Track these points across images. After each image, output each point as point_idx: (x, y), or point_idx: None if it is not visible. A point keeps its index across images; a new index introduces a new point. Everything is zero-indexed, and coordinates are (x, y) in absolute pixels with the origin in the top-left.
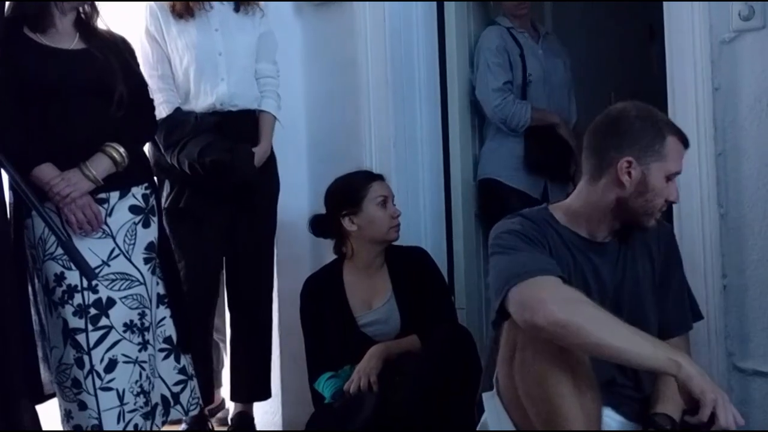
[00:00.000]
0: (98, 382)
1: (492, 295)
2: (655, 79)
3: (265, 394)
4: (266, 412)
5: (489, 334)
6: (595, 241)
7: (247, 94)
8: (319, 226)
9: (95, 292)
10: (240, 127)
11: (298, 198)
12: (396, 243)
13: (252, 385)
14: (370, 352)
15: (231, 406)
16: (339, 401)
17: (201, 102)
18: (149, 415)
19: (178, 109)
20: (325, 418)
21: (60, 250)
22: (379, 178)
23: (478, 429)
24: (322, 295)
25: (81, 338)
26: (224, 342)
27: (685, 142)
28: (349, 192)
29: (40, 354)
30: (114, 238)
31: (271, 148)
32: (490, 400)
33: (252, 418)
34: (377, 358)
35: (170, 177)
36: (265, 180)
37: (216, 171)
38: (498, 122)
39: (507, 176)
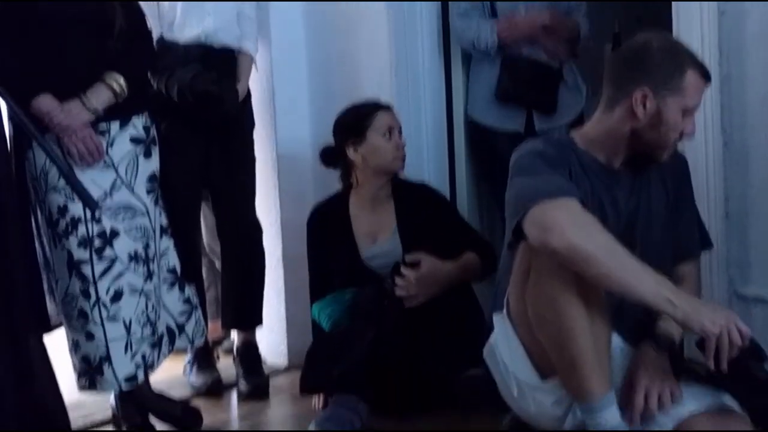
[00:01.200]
0: (105, 313)
1: (509, 215)
2: (660, 3)
3: (253, 322)
4: (271, 342)
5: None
6: (612, 169)
7: (231, 32)
8: (327, 156)
9: (99, 223)
10: (221, 63)
11: (298, 130)
12: (402, 178)
13: (240, 312)
14: (442, 271)
15: (235, 337)
16: (338, 330)
17: (186, 33)
18: (156, 345)
19: (160, 38)
20: (323, 348)
21: (62, 182)
22: (386, 108)
23: (485, 351)
24: (328, 225)
25: (86, 269)
26: None
27: (706, 76)
28: (354, 121)
29: (45, 287)
30: (116, 169)
31: (248, 87)
32: (500, 321)
33: (257, 348)
34: (441, 285)
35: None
36: (242, 116)
37: (205, 100)
38: (468, 48)
39: (480, 112)
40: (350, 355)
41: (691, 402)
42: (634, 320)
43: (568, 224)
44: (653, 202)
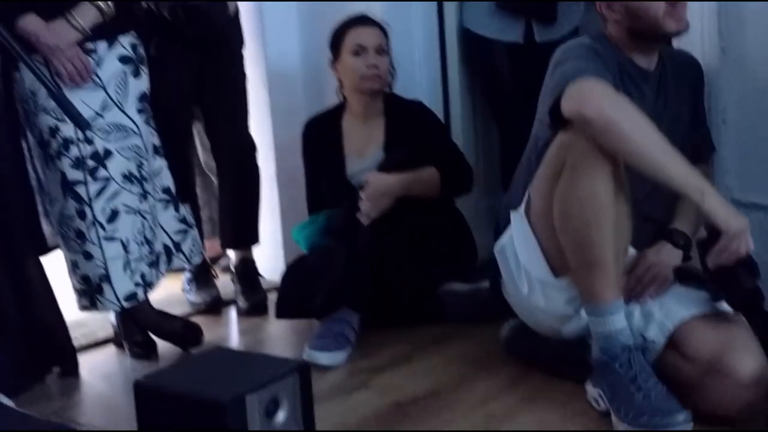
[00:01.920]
0: (101, 233)
1: (545, 102)
2: None
3: (250, 240)
4: (269, 259)
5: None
6: (641, 68)
7: None
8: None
9: (90, 143)
10: None
11: (288, 47)
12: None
13: (237, 230)
14: (385, 183)
15: (233, 255)
16: (312, 253)
17: None
18: (154, 264)
19: None
20: (298, 272)
21: (52, 103)
22: (363, 24)
23: (495, 248)
24: (320, 139)
25: (81, 190)
26: None
27: None
28: (332, 39)
29: (40, 209)
30: (105, 89)
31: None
32: (517, 218)
33: (254, 265)
34: (388, 197)
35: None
36: (232, 33)
37: (195, 17)
38: None
39: (477, 23)
40: (328, 277)
41: (692, 305)
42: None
43: (606, 98)
44: (677, 105)
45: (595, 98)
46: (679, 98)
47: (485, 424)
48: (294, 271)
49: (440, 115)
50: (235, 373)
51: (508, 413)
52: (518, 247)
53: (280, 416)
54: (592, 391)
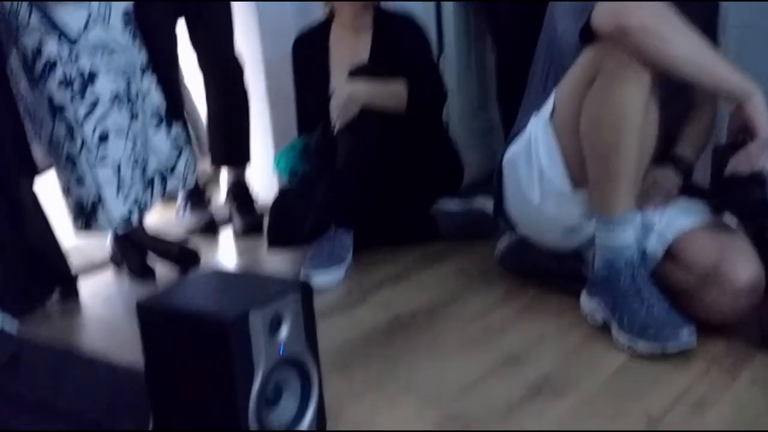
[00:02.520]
0: (92, 156)
1: (571, 18)
2: None
3: (241, 158)
4: (262, 180)
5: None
6: None
7: None
8: None
9: (76, 62)
10: None
11: None
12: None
13: (227, 148)
14: (349, 90)
15: (226, 177)
16: (294, 181)
17: None
18: (148, 187)
19: None
20: (284, 202)
21: (34, 21)
22: None
23: (505, 160)
24: (309, 54)
25: (69, 112)
26: None
27: None
28: None
29: (28, 134)
30: (88, 5)
31: None
32: (542, 126)
33: (247, 186)
34: (355, 103)
35: None
36: None
37: None
38: None
39: None
40: (312, 202)
41: (693, 216)
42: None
43: (645, 7)
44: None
45: (631, 6)
46: None
47: (482, 336)
48: (279, 202)
49: (432, 31)
50: (236, 292)
51: (503, 325)
52: (541, 154)
53: (283, 333)
54: (588, 304)
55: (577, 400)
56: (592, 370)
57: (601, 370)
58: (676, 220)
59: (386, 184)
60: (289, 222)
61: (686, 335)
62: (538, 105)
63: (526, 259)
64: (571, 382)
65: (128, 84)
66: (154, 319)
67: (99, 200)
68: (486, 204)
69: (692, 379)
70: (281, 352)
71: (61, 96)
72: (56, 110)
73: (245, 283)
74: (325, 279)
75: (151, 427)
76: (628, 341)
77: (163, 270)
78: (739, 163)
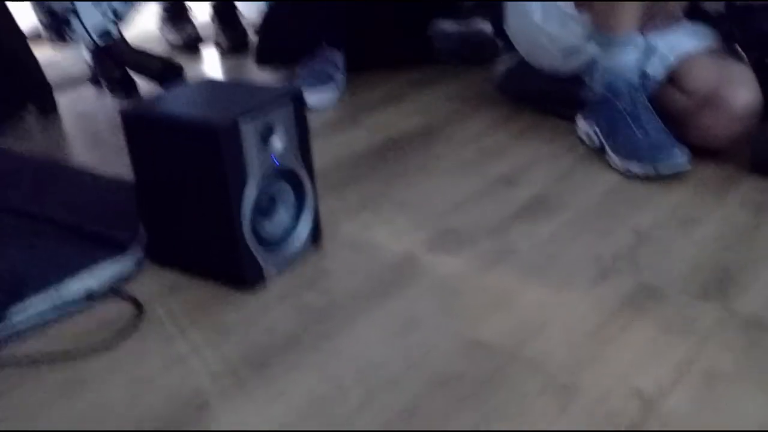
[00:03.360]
0: None
1: None
2: None
3: None
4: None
5: None
6: None
7: None
8: None
9: None
10: None
11: None
12: None
13: None
14: None
15: None
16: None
17: None
18: None
19: None
20: (273, 19)
21: None
22: None
23: None
24: None
25: None
26: None
27: None
28: None
29: None
30: None
31: None
32: None
33: (233, 2)
34: None
35: None
36: None
37: None
38: None
39: None
40: (302, 19)
41: (697, 39)
42: None
43: None
44: None
45: None
46: None
47: (477, 158)
48: (269, 18)
49: None
50: (226, 100)
51: (498, 148)
52: None
53: (276, 144)
54: (584, 126)
55: (568, 217)
56: (585, 191)
57: (593, 190)
58: (679, 43)
59: (379, 1)
60: (279, 38)
61: (680, 157)
62: None
63: (524, 83)
64: (563, 202)
65: None
66: (140, 127)
67: (73, 11)
68: (485, 25)
69: (682, 199)
70: (275, 162)
71: None
72: None
73: (236, 92)
74: (317, 98)
75: (141, 235)
76: (621, 163)
77: (145, 87)
78: None
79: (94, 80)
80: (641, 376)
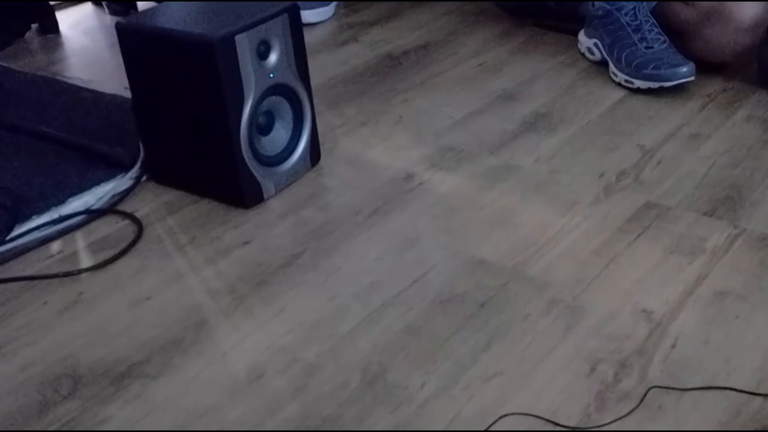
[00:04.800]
0: None
1: None
2: None
3: None
4: None
5: None
6: None
7: None
8: None
9: None
10: None
11: None
12: None
13: None
14: None
15: None
16: None
17: None
18: None
19: None
20: None
21: None
22: None
23: None
24: None
25: None
26: None
27: None
28: None
29: None
30: None
31: None
32: None
33: None
34: None
35: None
36: None
37: None
38: None
39: None
40: None
41: None
42: None
43: None
44: None
45: None
46: None
47: (476, 74)
48: None
49: None
50: (222, 15)
51: (498, 64)
52: None
53: (272, 58)
54: (586, 41)
55: (571, 133)
56: (588, 107)
57: (597, 106)
58: None
59: None
60: None
61: (683, 68)
62: None
63: None
64: (566, 118)
65: None
66: (136, 41)
67: None
68: None
69: (688, 115)
70: (271, 76)
71: None
72: None
73: (232, 6)
74: (314, 15)
75: (141, 153)
76: (625, 78)
77: (145, 5)
78: None
79: (95, 4)
80: (648, 296)
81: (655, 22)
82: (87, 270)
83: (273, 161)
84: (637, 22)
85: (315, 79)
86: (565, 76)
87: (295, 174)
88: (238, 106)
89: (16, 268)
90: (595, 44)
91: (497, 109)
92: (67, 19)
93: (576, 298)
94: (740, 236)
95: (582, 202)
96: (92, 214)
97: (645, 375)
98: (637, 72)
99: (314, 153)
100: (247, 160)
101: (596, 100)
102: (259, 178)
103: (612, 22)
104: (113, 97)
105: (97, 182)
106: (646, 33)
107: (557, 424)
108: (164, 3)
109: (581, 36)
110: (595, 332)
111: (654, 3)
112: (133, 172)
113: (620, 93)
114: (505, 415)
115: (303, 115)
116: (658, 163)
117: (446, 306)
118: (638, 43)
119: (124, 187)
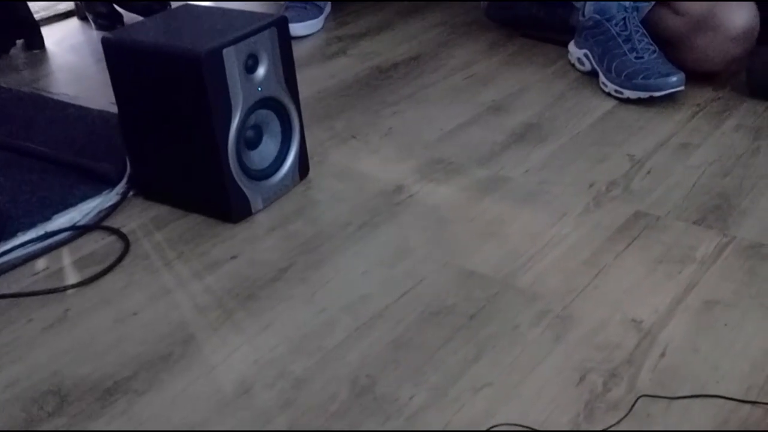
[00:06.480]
0: None
1: None
2: None
3: None
4: None
5: None
6: None
7: None
8: None
9: None
10: None
11: None
12: None
13: None
14: None
15: None
16: None
17: None
18: None
19: None
20: None
21: None
22: None
23: None
24: None
25: None
26: None
27: None
28: None
29: None
30: None
31: None
32: None
33: None
34: None
35: None
36: None
37: None
38: None
39: None
40: None
41: None
42: None
43: None
44: None
45: None
46: None
47: (466, 86)
48: None
49: None
50: (209, 27)
51: (488, 75)
52: None
53: (260, 72)
54: (576, 51)
55: (561, 144)
56: (577, 117)
57: (586, 116)
58: None
59: None
60: None
61: (673, 78)
62: None
63: (513, 9)
64: (556, 129)
65: None
66: (122, 55)
67: None
68: None
69: (677, 124)
70: (259, 89)
71: None
72: None
73: (219, 19)
74: (302, 29)
75: (127, 168)
76: (615, 88)
77: (131, 18)
78: None
79: (81, 16)
80: (638, 305)
81: (645, 32)
82: (73, 286)
83: (261, 175)
84: (627, 32)
85: (304, 92)
86: (554, 87)
87: (284, 188)
88: (225, 120)
89: (1, 285)
90: (585, 54)
91: (487, 120)
92: (52, 35)
93: (565, 309)
94: (729, 245)
95: (572, 212)
96: (78, 231)
97: (634, 384)
98: (626, 82)
99: (303, 166)
100: (234, 174)
101: (586, 111)
102: (247, 192)
103: (602, 33)
104: (99, 113)
105: (84, 198)
106: (636, 43)
107: None
108: (150, 17)
109: (571, 46)
110: (584, 342)
111: (644, 13)
112: (120, 188)
113: (610, 103)
114: (494, 426)
115: (291, 129)
116: (648, 172)
117: (436, 318)
118: (628, 53)
119: (110, 203)
